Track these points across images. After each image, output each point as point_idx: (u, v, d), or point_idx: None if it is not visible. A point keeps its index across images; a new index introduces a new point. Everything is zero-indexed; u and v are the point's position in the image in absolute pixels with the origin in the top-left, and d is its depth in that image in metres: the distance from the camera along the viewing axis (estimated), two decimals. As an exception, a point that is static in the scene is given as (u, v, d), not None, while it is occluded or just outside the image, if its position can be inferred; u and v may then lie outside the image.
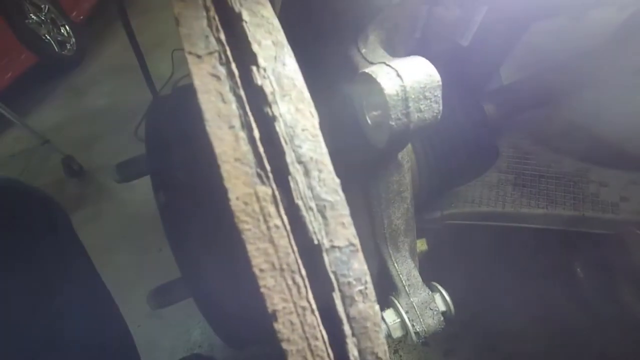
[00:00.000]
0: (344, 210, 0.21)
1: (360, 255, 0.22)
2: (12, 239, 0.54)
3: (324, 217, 0.20)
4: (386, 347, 0.24)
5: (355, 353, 0.22)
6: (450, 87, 0.31)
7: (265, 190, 0.19)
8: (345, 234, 0.21)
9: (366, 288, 0.22)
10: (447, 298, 0.52)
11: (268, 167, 0.19)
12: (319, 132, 0.21)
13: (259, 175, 0.19)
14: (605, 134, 0.72)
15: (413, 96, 0.29)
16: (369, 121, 0.34)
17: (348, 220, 0.21)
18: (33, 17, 2.65)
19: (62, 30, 2.90)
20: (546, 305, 0.98)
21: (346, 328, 0.22)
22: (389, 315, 0.51)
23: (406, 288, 0.53)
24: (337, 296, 0.21)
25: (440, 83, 0.30)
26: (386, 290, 0.55)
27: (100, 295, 0.70)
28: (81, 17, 3.15)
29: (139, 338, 0.76)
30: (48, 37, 2.76)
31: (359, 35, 0.38)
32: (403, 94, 0.29)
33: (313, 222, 0.20)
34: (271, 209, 0.19)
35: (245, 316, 0.39)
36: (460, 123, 0.65)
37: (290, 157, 0.20)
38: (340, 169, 0.22)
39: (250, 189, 0.19)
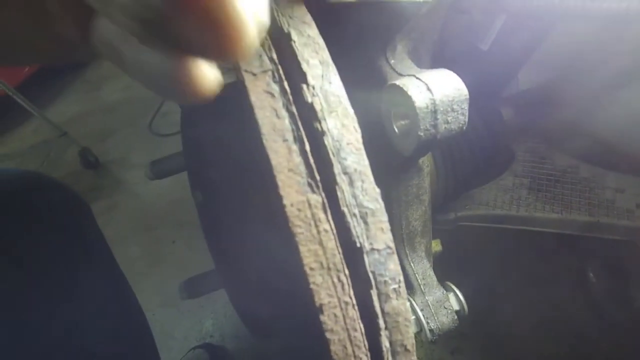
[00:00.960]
0: (383, 217, 0.23)
1: (395, 257, 0.24)
2: (37, 232, 0.56)
3: (365, 222, 0.23)
4: (414, 341, 0.27)
5: (387, 344, 0.25)
6: (468, 90, 0.33)
7: (316, 198, 0.21)
8: (384, 238, 0.23)
9: (399, 287, 0.24)
10: (461, 298, 0.54)
11: (317, 177, 0.22)
12: (362, 146, 0.23)
13: (310, 185, 0.22)
14: (623, 141, 0.72)
15: (442, 109, 0.31)
16: (396, 130, 0.36)
17: (386, 225, 0.23)
18: (52, 11, 2.70)
19: (80, 25, 2.95)
20: (556, 308, 0.99)
21: (380, 322, 0.24)
22: (405, 312, 0.53)
23: (422, 287, 0.55)
24: (374, 293, 0.23)
25: (468, 97, 0.32)
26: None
27: (120, 285, 0.71)
28: (97, 12, 3.20)
29: (153, 327, 0.78)
30: (66, 31, 2.81)
31: (387, 46, 0.39)
32: (432, 106, 0.31)
33: (356, 227, 0.22)
34: (321, 215, 0.21)
35: (275, 310, 0.42)
36: (477, 128, 0.66)
37: (337, 169, 0.22)
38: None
39: (302, 196, 0.21)
